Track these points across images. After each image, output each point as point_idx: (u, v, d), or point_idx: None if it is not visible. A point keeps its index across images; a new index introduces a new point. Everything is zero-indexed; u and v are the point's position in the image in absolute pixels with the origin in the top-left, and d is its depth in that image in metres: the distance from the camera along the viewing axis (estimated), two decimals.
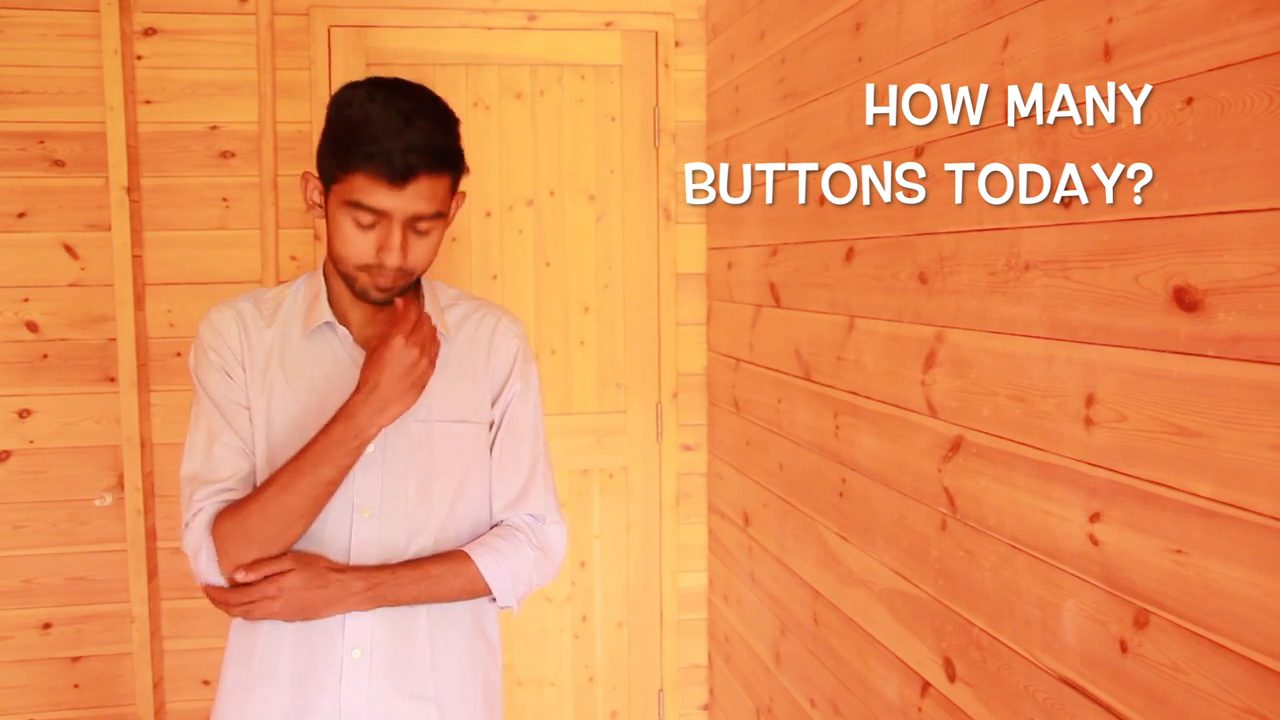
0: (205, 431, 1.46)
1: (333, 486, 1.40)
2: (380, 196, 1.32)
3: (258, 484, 1.46)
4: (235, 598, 1.39)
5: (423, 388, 1.41)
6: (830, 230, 2.08)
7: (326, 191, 1.39)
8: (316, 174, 1.41)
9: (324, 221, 1.44)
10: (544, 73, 2.99)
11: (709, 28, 3.01)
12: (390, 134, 1.30)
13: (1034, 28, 1.36)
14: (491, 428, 1.58)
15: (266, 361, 1.48)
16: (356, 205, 1.34)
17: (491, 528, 1.57)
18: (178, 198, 2.81)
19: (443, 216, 1.39)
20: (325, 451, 1.38)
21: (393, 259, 1.36)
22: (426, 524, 1.50)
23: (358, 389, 1.39)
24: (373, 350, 1.40)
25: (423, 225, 1.37)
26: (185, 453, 1.47)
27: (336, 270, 1.43)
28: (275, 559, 1.40)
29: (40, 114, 2.71)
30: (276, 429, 1.47)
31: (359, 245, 1.37)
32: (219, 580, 1.40)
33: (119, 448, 2.76)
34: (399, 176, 1.31)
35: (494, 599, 1.53)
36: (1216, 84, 1.05)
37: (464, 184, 1.46)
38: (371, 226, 1.35)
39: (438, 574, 1.47)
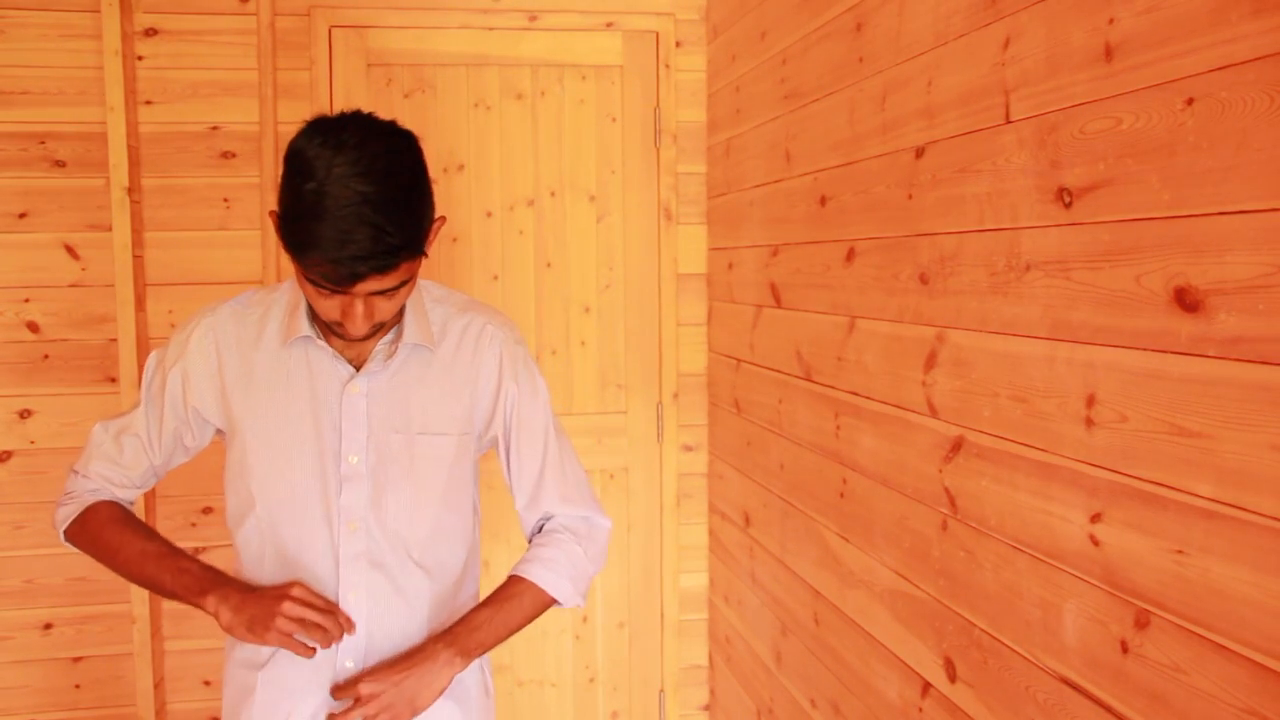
0: (140, 414, 1.54)
1: (160, 591, 1.48)
2: (332, 288, 1.30)
3: (231, 488, 1.51)
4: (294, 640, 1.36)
5: (258, 640, 1.37)
6: (831, 230, 2.08)
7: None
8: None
9: None
10: (545, 73, 2.99)
11: (710, 28, 3.01)
12: (335, 242, 1.24)
13: (1034, 28, 1.36)
14: (497, 439, 1.58)
15: (245, 370, 1.48)
16: (314, 282, 1.31)
17: (536, 532, 1.59)
18: (178, 198, 2.81)
19: (406, 283, 1.35)
20: (174, 572, 1.44)
21: (356, 330, 1.34)
22: (412, 537, 1.49)
23: (241, 589, 1.40)
24: (282, 589, 1.38)
25: (382, 295, 1.33)
26: (117, 415, 1.56)
27: None
28: (361, 690, 1.38)
29: (41, 114, 2.71)
30: (254, 432, 1.46)
31: (324, 306, 1.34)
32: (60, 529, 1.54)
33: None
34: (345, 283, 1.28)
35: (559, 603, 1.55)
36: (1217, 84, 1.05)
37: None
38: (330, 296, 1.32)
39: (507, 608, 1.49)
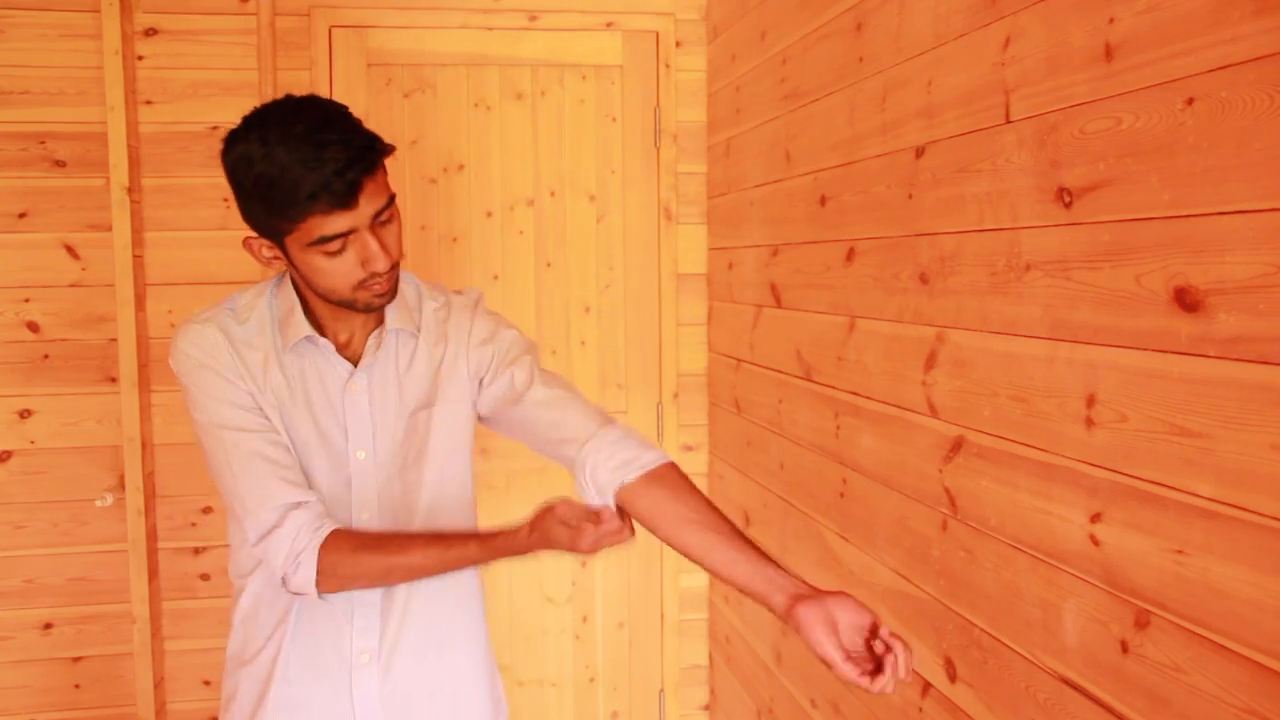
0: (237, 434, 1.40)
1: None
2: (340, 221, 1.31)
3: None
4: (609, 527, 1.35)
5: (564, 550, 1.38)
6: (831, 230, 2.08)
7: (280, 245, 1.36)
8: (256, 235, 1.37)
9: (288, 269, 1.43)
10: (545, 73, 2.99)
11: (710, 28, 3.01)
12: (314, 167, 1.27)
13: (1034, 28, 1.36)
14: (484, 386, 1.55)
15: (265, 372, 1.45)
16: (321, 241, 1.32)
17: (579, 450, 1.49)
18: (178, 198, 2.81)
19: (394, 198, 1.37)
20: (458, 562, 1.40)
21: (380, 264, 1.35)
22: (415, 510, 1.51)
23: (535, 539, 1.36)
24: (569, 542, 1.35)
25: (383, 216, 1.36)
26: (226, 462, 1.40)
27: (329, 300, 1.41)
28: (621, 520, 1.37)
29: (41, 114, 2.71)
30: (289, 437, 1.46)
31: (342, 272, 1.35)
32: (311, 591, 1.38)
33: (120, 448, 2.76)
34: (349, 197, 1.29)
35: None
36: (1217, 84, 1.05)
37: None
38: (342, 249, 1.34)
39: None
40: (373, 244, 1.34)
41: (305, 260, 1.35)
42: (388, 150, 1.35)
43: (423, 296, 1.56)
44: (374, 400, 1.48)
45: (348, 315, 1.46)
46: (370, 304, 1.40)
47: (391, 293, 1.41)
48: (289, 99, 1.36)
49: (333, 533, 1.39)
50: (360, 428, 1.47)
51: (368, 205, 1.32)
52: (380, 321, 1.50)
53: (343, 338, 1.49)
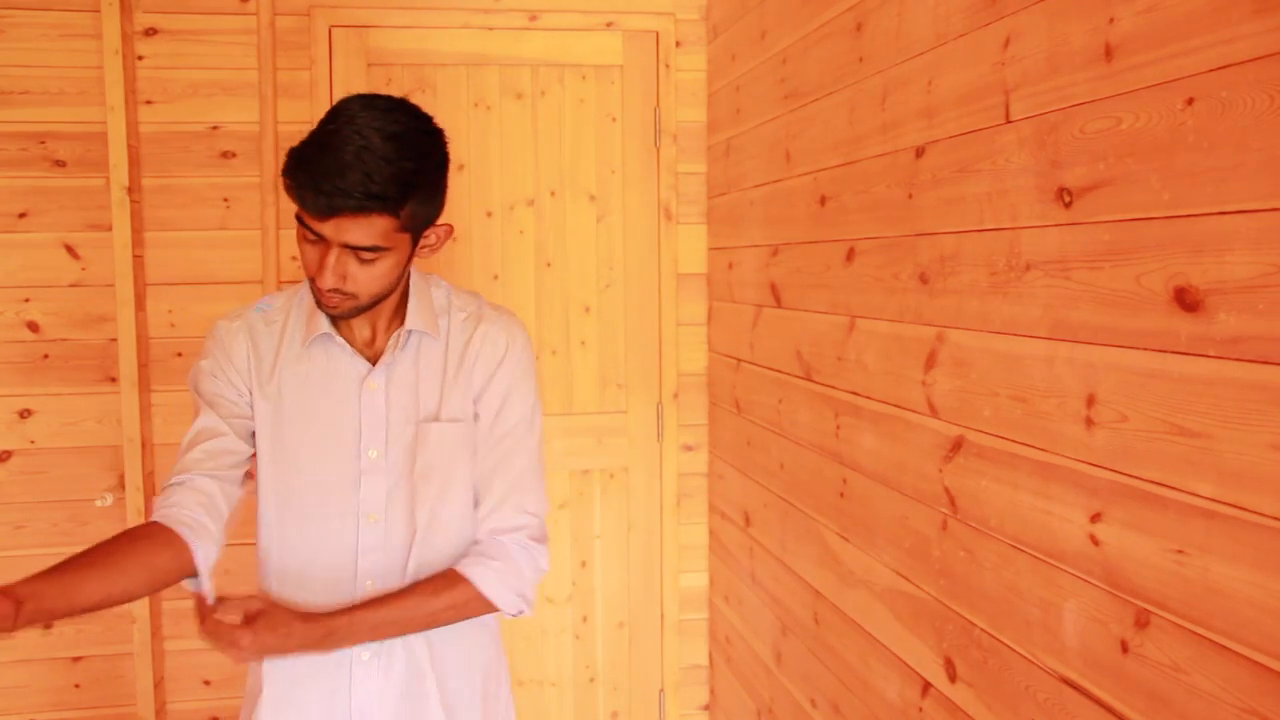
0: (193, 421, 1.51)
1: None
2: (310, 220, 1.34)
3: (259, 482, 1.51)
4: (206, 629, 1.34)
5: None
6: (831, 230, 2.08)
7: None
8: None
9: None
10: (545, 73, 2.99)
11: (710, 28, 3.01)
12: (324, 170, 1.29)
13: (1034, 28, 1.36)
14: (476, 420, 1.56)
15: (274, 369, 1.50)
16: (299, 219, 1.36)
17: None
18: (178, 198, 2.81)
19: (384, 250, 1.36)
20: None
21: (325, 280, 1.36)
22: (424, 525, 1.51)
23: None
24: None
25: (365, 255, 1.36)
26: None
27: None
28: (244, 601, 1.35)
29: (41, 114, 2.71)
30: (283, 434, 1.48)
31: (307, 257, 1.38)
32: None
33: (120, 448, 2.77)
34: (319, 212, 1.31)
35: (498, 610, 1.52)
36: (1217, 84, 1.05)
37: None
38: (315, 242, 1.36)
39: (409, 605, 1.43)
40: (330, 259, 1.35)
41: (297, 229, 1.39)
42: (399, 209, 1.34)
43: (452, 305, 1.56)
44: (390, 399, 1.49)
45: (368, 316, 1.48)
46: (317, 302, 1.43)
47: (338, 310, 1.42)
48: (403, 107, 1.39)
49: (150, 523, 1.44)
50: (374, 426, 1.48)
51: (340, 232, 1.33)
52: (403, 321, 1.51)
53: (365, 334, 1.51)
